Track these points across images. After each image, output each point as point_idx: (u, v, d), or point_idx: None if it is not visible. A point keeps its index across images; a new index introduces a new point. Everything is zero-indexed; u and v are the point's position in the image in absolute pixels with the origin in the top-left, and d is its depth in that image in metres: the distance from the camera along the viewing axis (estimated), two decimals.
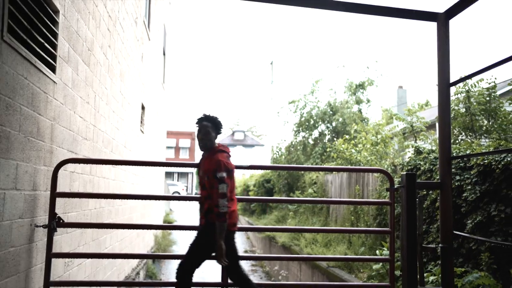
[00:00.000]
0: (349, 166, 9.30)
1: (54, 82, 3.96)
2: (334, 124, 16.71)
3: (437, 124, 16.20)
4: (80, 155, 4.88)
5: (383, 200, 5.58)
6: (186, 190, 51.90)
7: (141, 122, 10.23)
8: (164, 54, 15.43)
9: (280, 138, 18.62)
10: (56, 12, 3.97)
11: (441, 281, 3.88)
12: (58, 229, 3.81)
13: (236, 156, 63.06)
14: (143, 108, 10.28)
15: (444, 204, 3.99)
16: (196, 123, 3.83)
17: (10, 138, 3.09)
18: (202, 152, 3.85)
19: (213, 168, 3.56)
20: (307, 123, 17.06)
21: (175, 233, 18.72)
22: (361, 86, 17.43)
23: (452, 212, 4.71)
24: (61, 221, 3.74)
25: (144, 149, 10.57)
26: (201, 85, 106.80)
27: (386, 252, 5.90)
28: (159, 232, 14.78)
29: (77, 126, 4.75)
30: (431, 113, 20.12)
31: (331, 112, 16.92)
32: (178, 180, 54.80)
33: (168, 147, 50.36)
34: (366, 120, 17.25)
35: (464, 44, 74.93)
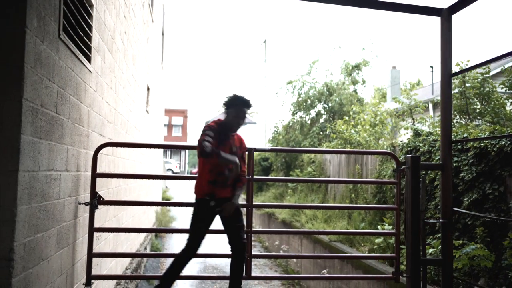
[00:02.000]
0: (356, 149, 9.67)
1: (90, 71, 4.28)
2: (330, 104, 17.08)
3: (430, 105, 16.46)
4: (106, 137, 5.22)
5: (390, 180, 6.00)
6: (179, 167, 52.18)
7: (147, 103, 10.52)
8: (163, 34, 15.59)
9: (277, 118, 18.93)
10: (91, 6, 4.26)
11: (441, 251, 4.33)
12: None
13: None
14: (148, 89, 10.56)
15: (445, 184, 4.41)
16: (243, 108, 3.95)
17: (63, 125, 3.43)
18: (220, 130, 3.93)
19: (244, 145, 4.21)
20: (304, 103, 17.41)
21: (173, 210, 19.22)
22: (357, 67, 17.79)
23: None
24: (101, 199, 4.11)
25: (149, 129, 10.90)
26: (194, 62, 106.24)
27: (387, 227, 6.37)
28: (158, 208, 15.18)
29: (104, 111, 5.08)
30: (423, 93, 20.52)
31: (327, 93, 17.27)
32: (171, 158, 54.99)
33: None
34: (361, 100, 17.66)
35: (462, 33, 75.22)
